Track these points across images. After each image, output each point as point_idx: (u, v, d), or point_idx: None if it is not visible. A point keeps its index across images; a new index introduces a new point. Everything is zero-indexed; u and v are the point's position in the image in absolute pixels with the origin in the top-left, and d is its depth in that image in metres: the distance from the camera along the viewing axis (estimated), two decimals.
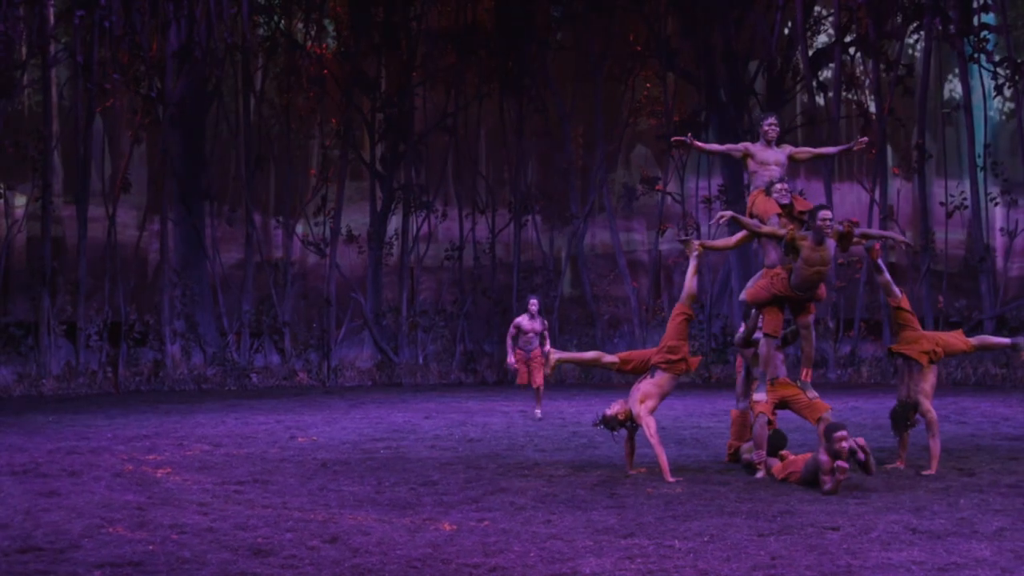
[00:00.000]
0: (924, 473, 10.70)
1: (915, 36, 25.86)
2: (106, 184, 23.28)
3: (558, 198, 26.01)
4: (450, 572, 6.79)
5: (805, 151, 12.23)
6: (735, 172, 25.38)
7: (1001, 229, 23.88)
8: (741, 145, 11.90)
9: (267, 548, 7.37)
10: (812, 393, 11.27)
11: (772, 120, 11.69)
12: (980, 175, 23.59)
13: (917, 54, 26.17)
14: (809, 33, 25.40)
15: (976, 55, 23.45)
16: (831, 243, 10.97)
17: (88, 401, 19.84)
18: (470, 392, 21.55)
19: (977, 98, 25.00)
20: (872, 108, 25.07)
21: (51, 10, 21.32)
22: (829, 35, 25.65)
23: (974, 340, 12.08)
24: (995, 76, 23.52)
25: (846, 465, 9.57)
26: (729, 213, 11.28)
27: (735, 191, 25.09)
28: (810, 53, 25.04)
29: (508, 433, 14.58)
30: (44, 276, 21.15)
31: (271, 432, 14.78)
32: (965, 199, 23.72)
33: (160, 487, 9.94)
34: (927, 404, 11.15)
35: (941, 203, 24.19)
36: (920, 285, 23.75)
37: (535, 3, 25.49)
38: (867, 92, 25.32)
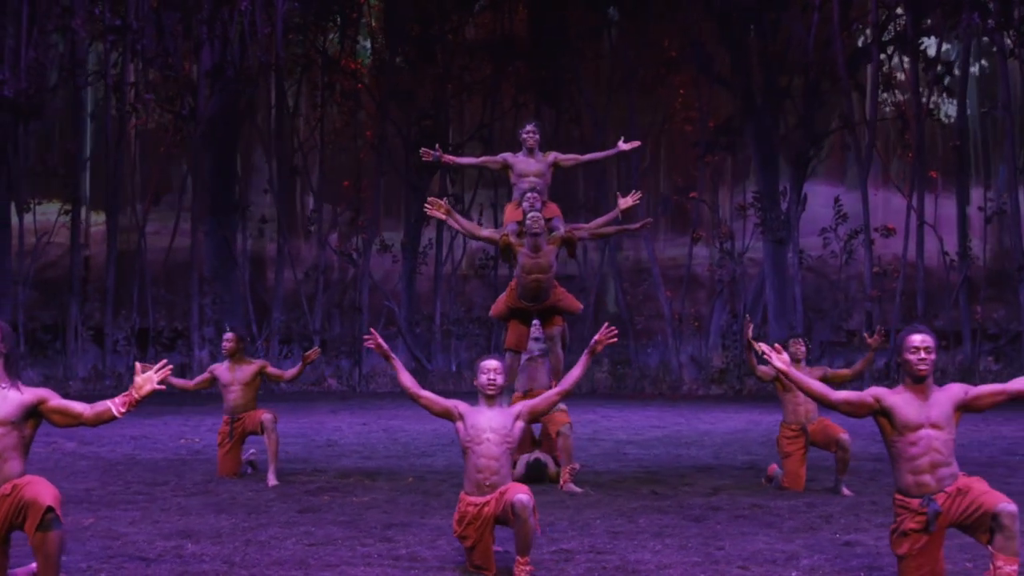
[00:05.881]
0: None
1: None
2: (139, 197, 24.72)
3: (593, 206, 25.82)
4: None
5: (571, 158, 11.78)
6: (770, 179, 24.62)
7: None
8: (500, 156, 11.60)
9: None
10: (559, 406, 11.02)
11: (531, 128, 11.37)
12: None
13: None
14: (845, 33, 24.28)
15: (1016, 50, 21.94)
16: (551, 249, 10.66)
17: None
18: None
19: None
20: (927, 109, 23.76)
21: (83, 34, 22.78)
22: (866, 36, 24.41)
23: None
24: None
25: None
26: (444, 205, 10.90)
27: (770, 198, 24.34)
28: (848, 54, 24.01)
29: (383, 442, 14.80)
30: (72, 284, 22.73)
31: (178, 434, 15.47)
32: (1004, 204, 22.23)
33: None
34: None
35: (980, 208, 22.74)
36: (957, 295, 22.41)
37: (570, 14, 25.47)
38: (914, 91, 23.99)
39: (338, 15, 25.44)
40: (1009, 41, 22.05)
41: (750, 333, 10.13)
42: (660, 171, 27.24)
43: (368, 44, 26.70)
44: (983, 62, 26.44)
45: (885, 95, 24.27)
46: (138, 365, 6.34)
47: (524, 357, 11.38)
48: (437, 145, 11.82)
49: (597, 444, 14.67)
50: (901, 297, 22.86)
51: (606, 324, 7.34)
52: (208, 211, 24.43)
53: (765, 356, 6.41)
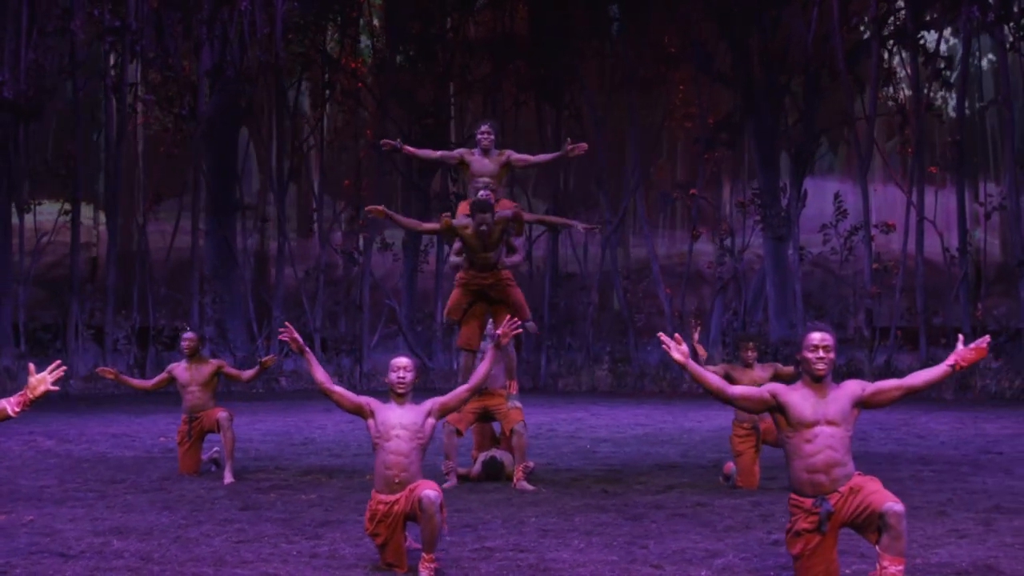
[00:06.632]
0: None
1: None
2: (140, 197, 24.95)
3: (593, 204, 25.84)
4: None
5: (523, 159, 11.84)
6: (771, 175, 24.51)
7: None
8: (457, 152, 11.72)
9: None
10: (512, 404, 11.06)
11: (485, 128, 11.44)
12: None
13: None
14: (845, 28, 24.08)
15: (1016, 43, 21.72)
16: (497, 229, 10.67)
17: (105, 400, 21.31)
18: None
19: None
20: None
21: (82, 36, 22.92)
22: (869, 30, 24.20)
23: None
24: None
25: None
26: (380, 208, 11.01)
27: (771, 194, 24.22)
28: (848, 49, 23.82)
29: (361, 440, 14.82)
30: (73, 284, 22.96)
31: (161, 432, 15.59)
32: (1005, 199, 22.00)
33: None
34: None
35: (980, 203, 22.53)
36: (958, 291, 22.22)
37: (571, 12, 25.42)
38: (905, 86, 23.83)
39: (338, 14, 25.53)
40: (1009, 35, 21.83)
41: (696, 337, 10.20)
42: (661, 168, 27.17)
43: (369, 43, 26.77)
44: (991, 56, 26.17)
45: (887, 89, 24.07)
46: (31, 366, 6.42)
47: (479, 358, 11.39)
48: (399, 139, 11.87)
49: (573, 442, 14.66)
50: (901, 293, 22.69)
51: (508, 316, 7.39)
52: (209, 210, 24.60)
53: (664, 347, 6.37)
